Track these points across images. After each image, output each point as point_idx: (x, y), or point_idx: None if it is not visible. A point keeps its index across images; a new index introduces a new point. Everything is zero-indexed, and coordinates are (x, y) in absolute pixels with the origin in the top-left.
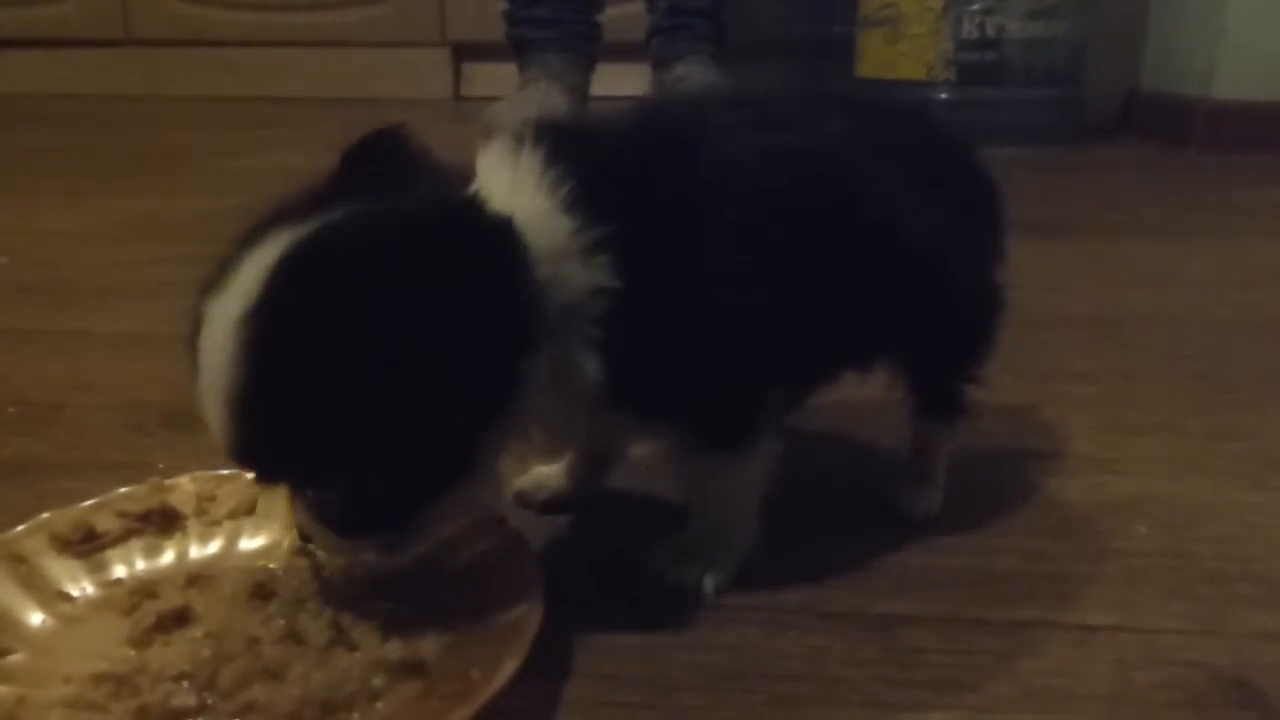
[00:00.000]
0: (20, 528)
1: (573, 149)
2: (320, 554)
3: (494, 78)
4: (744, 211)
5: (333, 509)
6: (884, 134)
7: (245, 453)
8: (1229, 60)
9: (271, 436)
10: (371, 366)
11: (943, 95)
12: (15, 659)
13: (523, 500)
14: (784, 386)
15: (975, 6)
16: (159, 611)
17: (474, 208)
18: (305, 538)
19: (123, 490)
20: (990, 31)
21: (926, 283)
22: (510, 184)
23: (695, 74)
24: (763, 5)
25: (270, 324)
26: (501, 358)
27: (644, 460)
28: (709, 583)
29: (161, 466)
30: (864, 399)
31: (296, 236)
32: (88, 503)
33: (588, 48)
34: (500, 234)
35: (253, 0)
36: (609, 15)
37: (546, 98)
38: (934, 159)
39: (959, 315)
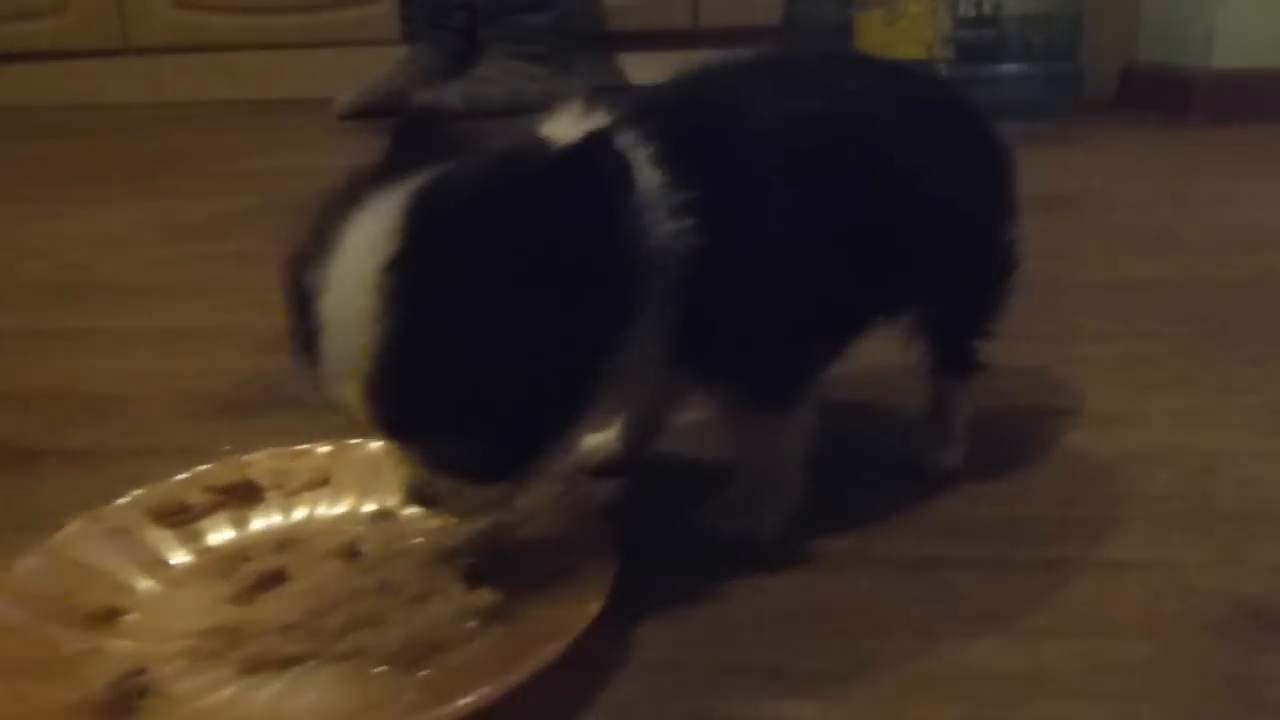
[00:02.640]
0: (118, 502)
1: (641, 117)
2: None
3: None
4: (795, 175)
5: (470, 456)
6: (903, 92)
7: (398, 407)
8: (1227, 29)
9: (431, 381)
10: (522, 293)
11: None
12: (132, 618)
13: (579, 464)
14: (827, 343)
15: None
16: (258, 572)
17: (603, 139)
18: (428, 502)
19: (204, 467)
20: (988, 9)
21: (948, 232)
22: None
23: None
24: None
25: (418, 267)
26: (628, 278)
27: (689, 425)
28: (759, 533)
29: (227, 448)
30: (888, 367)
31: (419, 186)
32: (177, 478)
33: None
34: (625, 163)
35: (248, 4)
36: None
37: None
38: (948, 117)
39: (976, 264)
